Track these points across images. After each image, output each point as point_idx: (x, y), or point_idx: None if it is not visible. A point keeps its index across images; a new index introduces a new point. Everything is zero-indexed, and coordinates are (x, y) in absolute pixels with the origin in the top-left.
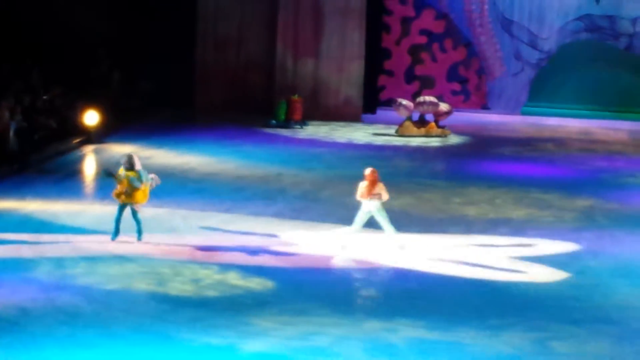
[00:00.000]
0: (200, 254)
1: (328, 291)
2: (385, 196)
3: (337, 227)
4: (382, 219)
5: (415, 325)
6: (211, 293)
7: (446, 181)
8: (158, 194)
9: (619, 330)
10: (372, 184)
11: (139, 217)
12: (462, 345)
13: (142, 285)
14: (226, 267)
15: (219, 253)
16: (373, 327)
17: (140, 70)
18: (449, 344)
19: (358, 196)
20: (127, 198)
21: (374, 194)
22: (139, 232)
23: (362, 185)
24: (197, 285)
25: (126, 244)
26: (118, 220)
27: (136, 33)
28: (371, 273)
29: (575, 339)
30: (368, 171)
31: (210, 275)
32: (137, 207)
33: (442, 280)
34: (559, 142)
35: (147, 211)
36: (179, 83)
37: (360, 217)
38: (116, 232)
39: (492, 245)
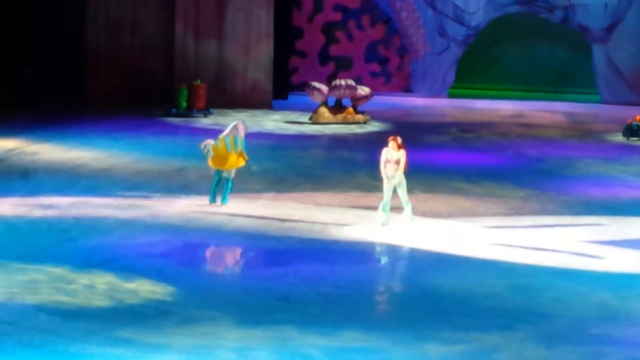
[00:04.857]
0: (94, 260)
1: (236, 298)
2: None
3: (242, 227)
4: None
5: (332, 334)
6: (107, 303)
7: (366, 173)
8: (47, 192)
9: (550, 329)
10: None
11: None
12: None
13: (31, 296)
14: (124, 273)
15: (115, 258)
16: (286, 335)
17: (23, 55)
18: (370, 351)
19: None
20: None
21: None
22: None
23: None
24: (92, 294)
25: (10, 249)
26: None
27: (18, 13)
28: (283, 277)
29: (512, 347)
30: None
31: (107, 283)
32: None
33: (360, 283)
34: (490, 127)
35: (36, 212)
36: (68, 69)
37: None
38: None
39: (417, 245)
